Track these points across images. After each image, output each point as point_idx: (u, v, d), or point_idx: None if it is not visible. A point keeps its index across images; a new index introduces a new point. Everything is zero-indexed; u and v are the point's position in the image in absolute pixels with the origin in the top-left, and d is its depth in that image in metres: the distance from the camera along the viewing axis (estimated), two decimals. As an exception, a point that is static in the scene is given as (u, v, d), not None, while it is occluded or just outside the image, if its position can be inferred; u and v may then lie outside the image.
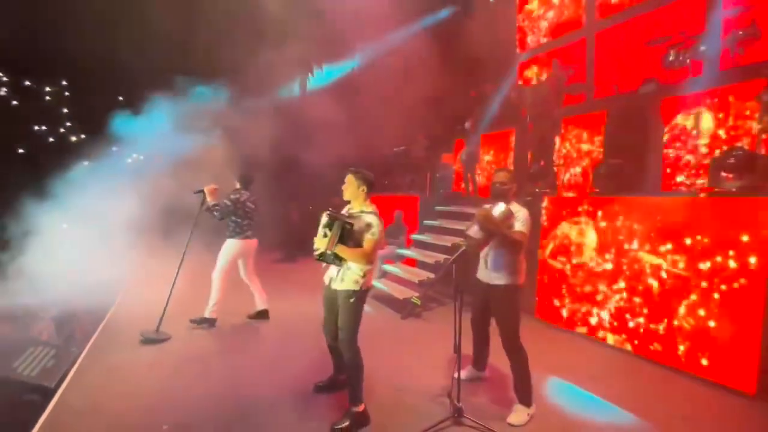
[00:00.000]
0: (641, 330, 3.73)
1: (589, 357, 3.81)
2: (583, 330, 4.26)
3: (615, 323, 3.96)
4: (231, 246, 4.37)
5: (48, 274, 5.28)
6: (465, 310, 2.75)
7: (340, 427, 2.56)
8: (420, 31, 7.21)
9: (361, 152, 6.08)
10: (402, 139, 8.42)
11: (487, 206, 2.65)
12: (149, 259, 5.64)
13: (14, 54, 11.22)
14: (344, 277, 2.67)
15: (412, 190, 7.77)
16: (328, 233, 2.60)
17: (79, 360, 3.59)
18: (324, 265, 2.78)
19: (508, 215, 2.62)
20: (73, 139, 14.04)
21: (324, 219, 2.66)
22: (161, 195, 5.62)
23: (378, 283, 5.59)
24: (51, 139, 13.67)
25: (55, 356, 3.69)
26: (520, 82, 7.24)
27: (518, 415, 2.69)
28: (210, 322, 4.36)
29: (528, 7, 7.63)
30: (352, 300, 2.64)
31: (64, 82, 13.82)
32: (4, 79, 13.00)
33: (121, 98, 13.75)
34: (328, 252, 2.58)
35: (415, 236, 6.26)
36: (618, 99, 5.94)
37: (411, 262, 6.00)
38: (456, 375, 2.71)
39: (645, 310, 3.70)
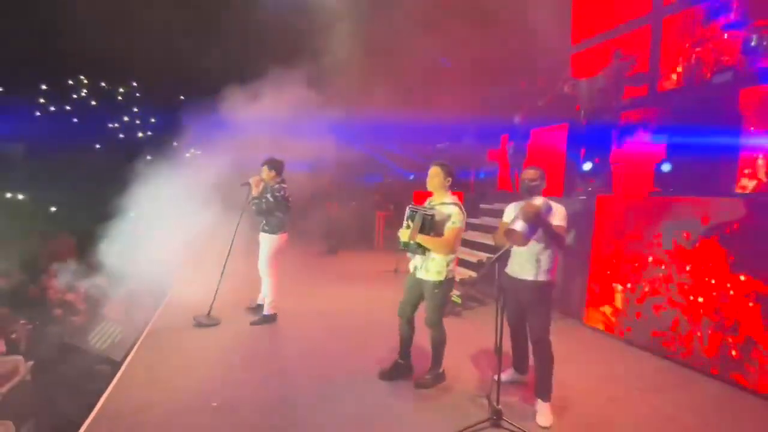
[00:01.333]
0: (704, 344, 3.40)
1: (642, 368, 3.54)
2: (635, 339, 3.96)
3: (673, 334, 3.64)
4: (273, 242, 4.22)
5: (119, 258, 5.79)
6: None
7: (422, 381, 3.02)
8: (465, 21, 7.00)
9: (404, 149, 6.06)
10: (446, 134, 8.29)
11: (531, 201, 2.55)
12: (211, 246, 5.92)
13: (92, 57, 12.41)
14: (428, 267, 2.88)
15: (456, 186, 7.63)
16: (411, 224, 2.83)
17: (141, 337, 3.93)
18: (409, 254, 3.02)
19: (549, 210, 2.56)
20: (140, 135, 15.32)
21: (407, 212, 2.90)
22: (226, 183, 5.81)
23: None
24: (121, 135, 15.02)
25: (121, 333, 4.07)
26: (570, 75, 6.83)
27: (545, 415, 2.65)
28: (270, 319, 4.29)
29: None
30: (437, 291, 2.88)
31: (134, 83, 15.12)
32: (85, 81, 14.49)
33: (182, 97, 14.79)
34: (411, 242, 2.82)
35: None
36: (687, 90, 5.42)
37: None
38: (496, 376, 2.64)
39: (708, 323, 3.36)
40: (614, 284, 4.23)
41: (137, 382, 3.09)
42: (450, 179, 2.94)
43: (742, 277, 3.18)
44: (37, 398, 3.30)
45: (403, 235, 2.87)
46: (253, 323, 4.23)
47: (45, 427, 3.18)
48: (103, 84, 14.73)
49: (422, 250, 2.86)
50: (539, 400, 2.70)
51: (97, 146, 13.59)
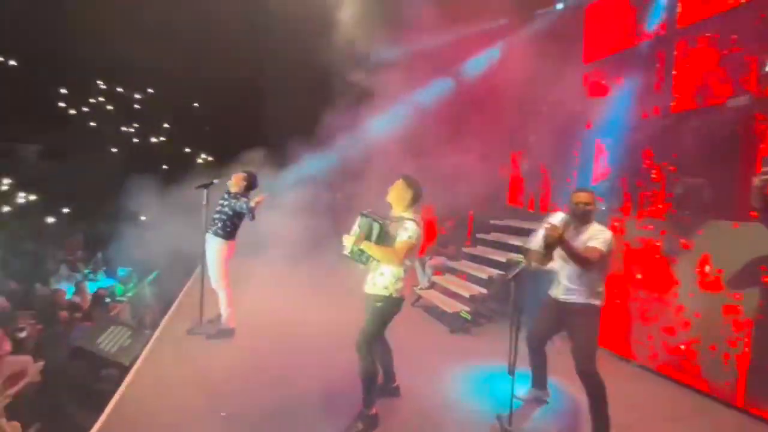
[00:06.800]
0: (719, 371, 3.32)
1: (658, 394, 3.47)
2: (651, 364, 3.88)
3: (687, 360, 3.56)
4: (226, 248, 3.98)
5: (129, 262, 5.83)
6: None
7: (350, 429, 2.61)
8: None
9: (413, 161, 6.09)
10: (455, 149, 8.29)
11: (550, 219, 2.53)
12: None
13: (110, 64, 12.75)
14: (376, 281, 2.67)
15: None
16: (357, 231, 2.67)
17: (150, 342, 3.90)
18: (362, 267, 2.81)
19: (566, 226, 2.49)
20: (154, 140, 15.56)
21: (358, 218, 2.72)
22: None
23: (426, 294, 5.52)
24: (135, 140, 15.27)
25: (131, 336, 4.07)
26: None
27: None
28: (228, 333, 4.06)
29: (597, 13, 7.25)
30: (378, 304, 2.64)
31: (150, 90, 15.42)
32: (102, 86, 14.81)
33: (196, 105, 15.08)
34: (354, 248, 2.65)
35: (467, 249, 6.12)
36: (701, 112, 5.42)
37: (461, 275, 5.86)
38: (512, 396, 2.58)
39: (725, 350, 3.29)
40: (628, 306, 4.17)
41: (147, 388, 3.07)
42: (411, 193, 2.71)
43: (757, 305, 3.12)
44: (44, 400, 3.30)
45: (348, 241, 2.70)
46: (209, 337, 3.98)
47: (51, 430, 3.17)
48: (120, 89, 15.03)
49: (365, 258, 2.67)
50: None
51: (113, 150, 13.79)
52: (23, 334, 4.56)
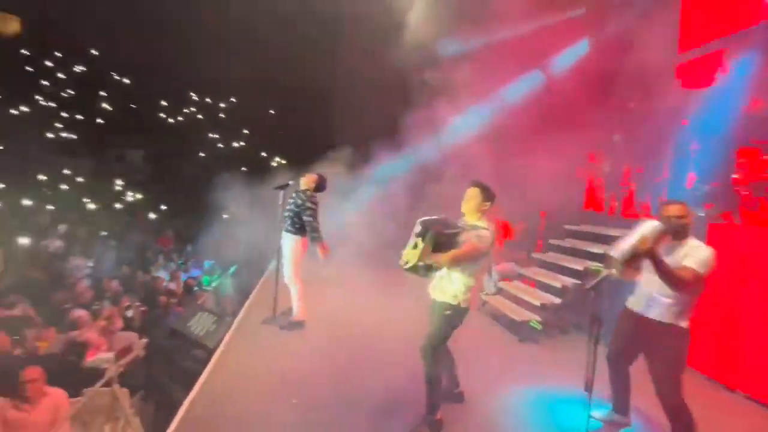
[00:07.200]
0: None
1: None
2: (759, 394, 3.34)
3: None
4: (299, 244, 4.18)
5: (214, 254, 6.44)
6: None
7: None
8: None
9: (487, 161, 5.92)
10: (530, 148, 7.90)
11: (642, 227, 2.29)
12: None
13: (201, 78, 14.27)
14: (445, 288, 2.61)
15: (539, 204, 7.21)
16: (420, 244, 2.48)
17: (231, 329, 4.26)
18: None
19: (660, 236, 2.22)
20: (235, 144, 17.03)
21: (417, 227, 2.54)
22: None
23: (492, 300, 5.33)
24: (220, 145, 16.84)
25: (215, 322, 4.49)
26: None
27: None
28: (298, 325, 4.28)
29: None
30: (447, 312, 2.57)
31: (233, 99, 16.93)
32: (195, 98, 16.60)
33: (272, 111, 16.20)
34: (420, 264, 2.47)
35: (537, 255, 5.80)
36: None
37: (531, 282, 5.56)
38: (588, 415, 2.40)
39: None
40: (731, 325, 3.63)
41: (228, 370, 3.37)
42: (488, 204, 2.61)
43: None
44: (146, 373, 3.78)
45: (410, 256, 2.50)
46: (282, 327, 4.24)
47: (151, 399, 3.63)
48: (208, 100, 16.71)
49: (429, 273, 2.56)
50: None
51: (202, 154, 15.37)
52: (130, 313, 5.29)
